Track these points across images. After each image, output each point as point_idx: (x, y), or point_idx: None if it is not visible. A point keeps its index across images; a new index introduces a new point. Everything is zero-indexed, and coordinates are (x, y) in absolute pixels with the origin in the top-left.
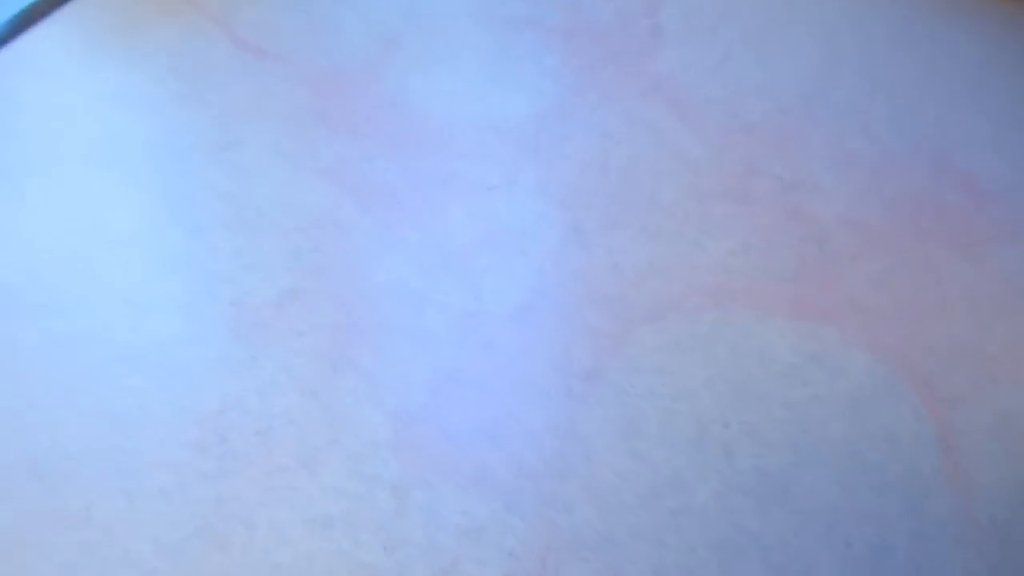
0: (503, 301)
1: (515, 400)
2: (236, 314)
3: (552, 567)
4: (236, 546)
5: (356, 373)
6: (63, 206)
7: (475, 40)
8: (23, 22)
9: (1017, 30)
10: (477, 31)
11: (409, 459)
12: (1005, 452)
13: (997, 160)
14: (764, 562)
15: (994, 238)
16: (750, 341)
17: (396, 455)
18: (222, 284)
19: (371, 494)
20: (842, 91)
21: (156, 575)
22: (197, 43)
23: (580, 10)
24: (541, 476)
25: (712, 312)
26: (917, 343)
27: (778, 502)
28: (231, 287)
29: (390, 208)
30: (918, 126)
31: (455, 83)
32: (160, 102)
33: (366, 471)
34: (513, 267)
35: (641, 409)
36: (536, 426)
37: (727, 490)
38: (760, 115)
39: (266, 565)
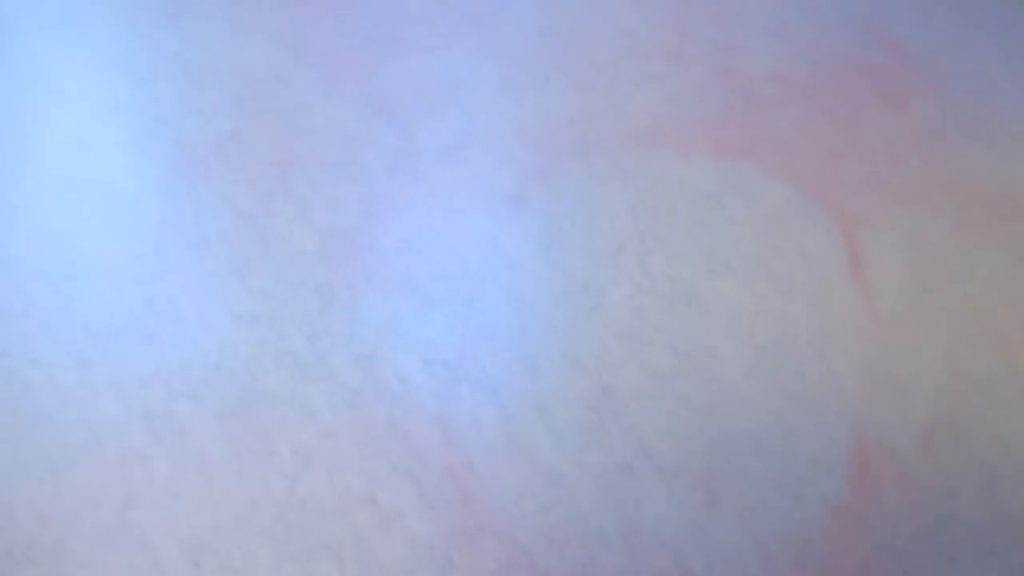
0: (435, 141)
1: (441, 220)
2: (177, 151)
3: (469, 354)
4: (165, 337)
5: (290, 199)
6: (17, 68)
7: None
8: None
9: None
10: None
11: (335, 267)
12: (907, 261)
13: (924, 27)
14: (671, 349)
15: (915, 92)
16: (672, 174)
17: (323, 263)
18: (164, 126)
19: (297, 296)
20: None
21: (86, 361)
22: None
23: None
24: (462, 281)
25: (637, 150)
26: (833, 174)
27: (687, 302)
28: (173, 129)
29: (330, 64)
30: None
31: None
32: None
33: (294, 277)
34: (446, 114)
35: (562, 227)
36: (460, 241)
37: (639, 292)
38: None
39: (194, 354)
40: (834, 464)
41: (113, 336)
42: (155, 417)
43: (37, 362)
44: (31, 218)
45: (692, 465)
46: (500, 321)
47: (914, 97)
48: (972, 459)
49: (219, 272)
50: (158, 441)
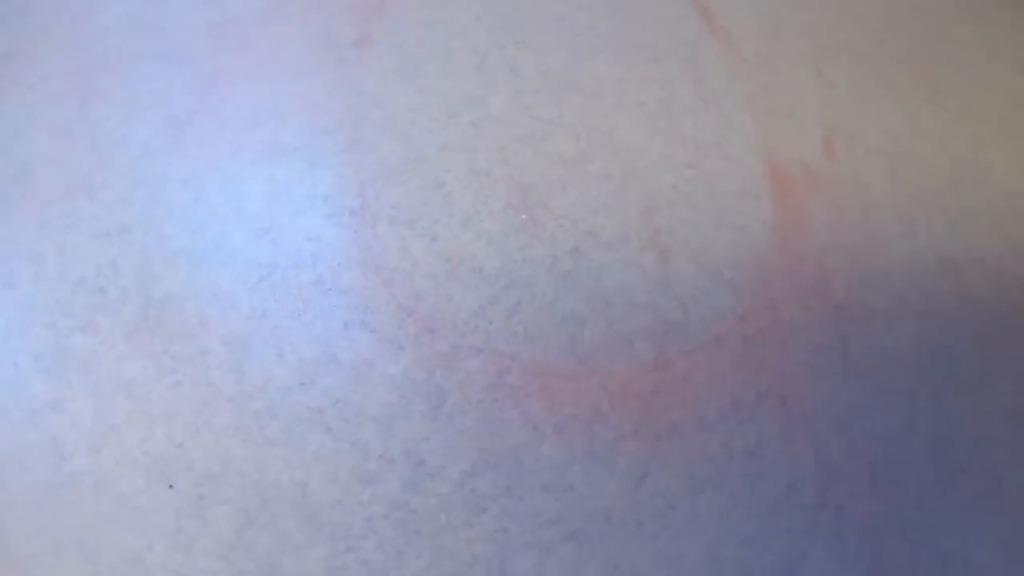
0: (248, 7)
1: (288, 80)
2: None
3: (372, 196)
4: (25, 279)
5: (108, 103)
6: None
7: None
8: None
9: None
10: None
11: (192, 154)
12: (754, 6)
13: None
14: (571, 136)
15: None
16: None
17: (177, 155)
18: None
19: (160, 194)
20: None
21: None
22: None
23: None
24: (336, 131)
25: None
26: None
27: (569, 90)
28: None
29: None
30: None
31: None
32: None
33: (150, 176)
34: None
35: (418, 55)
36: (317, 95)
37: (518, 94)
38: None
39: (66, 286)
40: (758, 191)
41: None
42: (52, 361)
43: None
44: None
45: (633, 231)
46: (391, 156)
47: None
48: (870, 153)
49: (58, 197)
50: (67, 384)
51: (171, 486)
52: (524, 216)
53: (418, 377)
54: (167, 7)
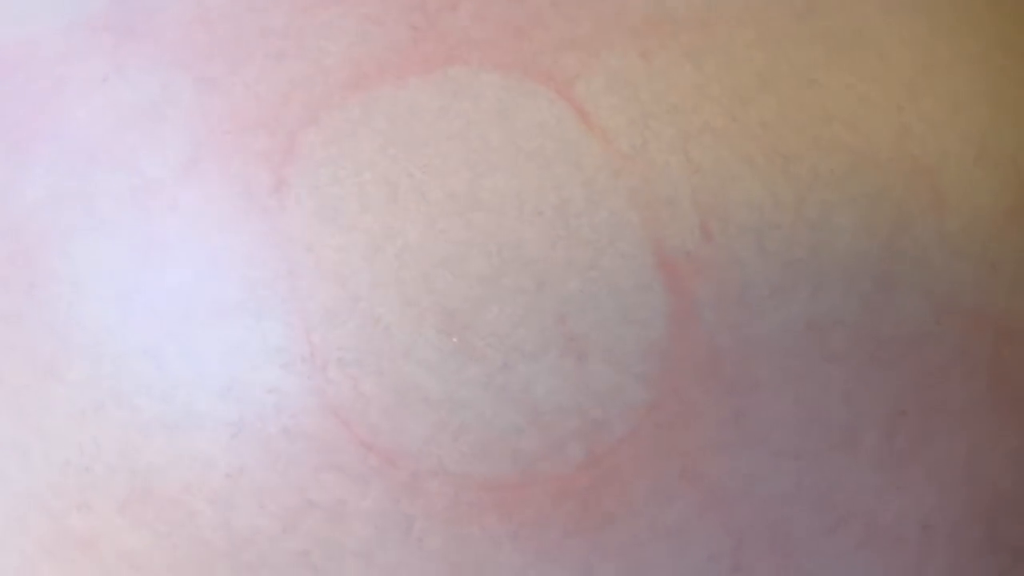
0: (167, 166)
1: (219, 236)
2: None
3: (319, 340)
4: (15, 470)
5: (56, 283)
6: None
7: None
8: None
9: None
10: None
11: (146, 325)
12: (621, 98)
13: None
14: (485, 254)
15: None
16: (398, 105)
17: (132, 328)
18: None
19: (124, 368)
20: None
21: None
22: None
23: None
24: (274, 281)
25: (357, 99)
26: (527, 48)
27: (472, 209)
28: None
29: None
30: None
31: None
32: None
33: (111, 351)
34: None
35: (334, 194)
36: (249, 247)
37: (431, 220)
38: None
39: (54, 469)
40: (652, 284)
41: None
42: (53, 544)
43: None
44: None
45: (552, 339)
46: (329, 300)
47: None
48: (741, 231)
49: (28, 383)
50: (72, 562)
51: None
52: (455, 340)
53: (387, 507)
54: (88, 177)
